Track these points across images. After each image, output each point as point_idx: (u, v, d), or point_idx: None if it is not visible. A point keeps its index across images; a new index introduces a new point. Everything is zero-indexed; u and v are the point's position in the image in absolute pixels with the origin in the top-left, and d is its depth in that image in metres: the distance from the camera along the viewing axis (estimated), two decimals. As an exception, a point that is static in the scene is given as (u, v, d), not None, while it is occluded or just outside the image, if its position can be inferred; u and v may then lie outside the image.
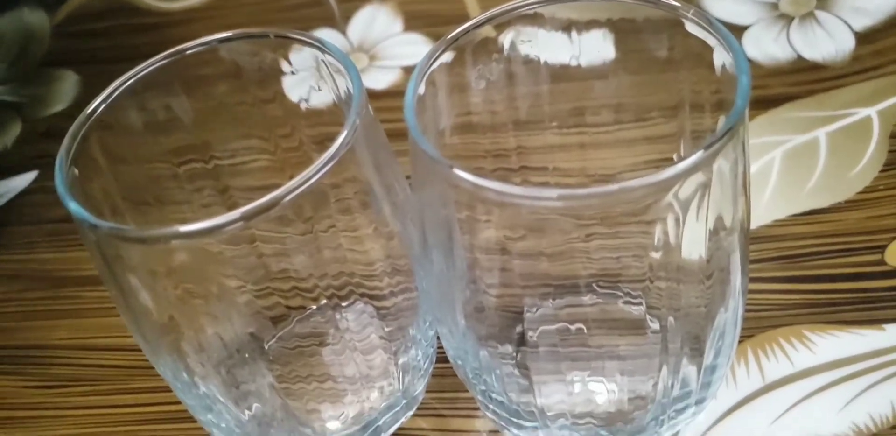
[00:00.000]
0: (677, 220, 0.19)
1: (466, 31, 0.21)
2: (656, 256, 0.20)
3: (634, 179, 0.16)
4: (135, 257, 0.20)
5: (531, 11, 0.21)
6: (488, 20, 0.21)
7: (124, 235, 0.19)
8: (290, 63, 0.24)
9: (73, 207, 0.19)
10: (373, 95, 0.37)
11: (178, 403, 0.24)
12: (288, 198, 0.19)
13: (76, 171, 0.21)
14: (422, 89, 0.20)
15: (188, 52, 0.22)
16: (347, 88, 0.21)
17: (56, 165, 0.20)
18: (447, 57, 0.21)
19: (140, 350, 0.23)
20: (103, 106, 0.22)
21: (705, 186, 0.18)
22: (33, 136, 0.38)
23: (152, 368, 0.23)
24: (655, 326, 0.24)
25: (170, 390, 0.24)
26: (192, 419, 0.24)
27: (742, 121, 0.18)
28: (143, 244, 0.19)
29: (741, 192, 0.19)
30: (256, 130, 0.26)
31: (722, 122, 0.20)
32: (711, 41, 0.20)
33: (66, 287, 0.32)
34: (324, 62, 0.22)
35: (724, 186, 0.19)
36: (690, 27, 0.20)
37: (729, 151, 0.18)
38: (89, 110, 0.21)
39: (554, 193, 0.17)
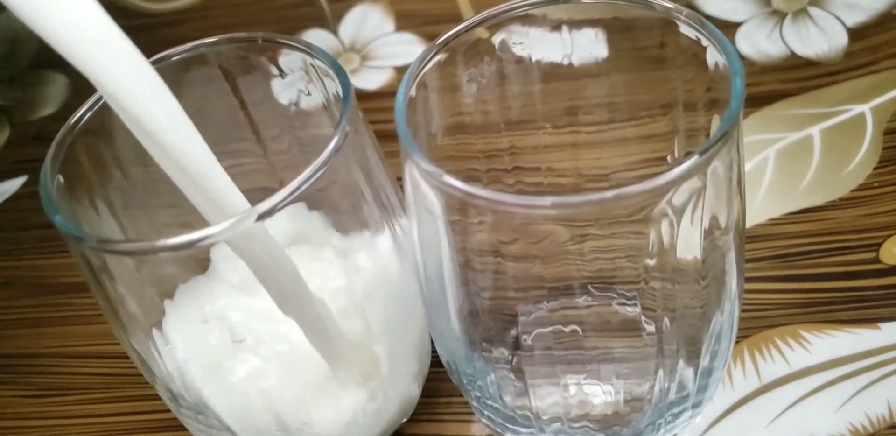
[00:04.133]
0: (672, 222, 0.18)
1: (458, 34, 0.20)
2: (651, 257, 0.20)
3: (629, 187, 0.16)
4: (122, 268, 0.20)
5: (523, 13, 0.21)
6: (480, 22, 0.21)
7: (111, 248, 0.19)
8: (279, 66, 0.23)
9: (59, 219, 0.19)
10: (365, 96, 0.36)
11: (169, 411, 0.24)
12: (279, 207, 0.18)
13: (62, 179, 0.21)
14: (413, 92, 0.20)
15: (175, 57, 0.22)
16: (337, 91, 0.21)
17: (41, 176, 0.20)
18: (439, 59, 0.20)
19: (129, 358, 0.23)
20: (89, 113, 0.21)
21: (700, 190, 0.18)
22: (22, 140, 0.38)
23: (142, 376, 0.23)
24: (651, 328, 0.23)
25: (160, 399, 0.23)
26: (182, 428, 0.24)
27: (736, 124, 0.18)
28: (131, 256, 0.19)
29: (736, 192, 0.19)
30: (246, 132, 0.26)
31: (716, 121, 0.20)
32: (704, 41, 0.19)
33: (56, 294, 0.32)
34: (313, 66, 0.22)
35: (718, 188, 0.18)
36: (683, 28, 0.20)
37: (724, 154, 0.18)
38: (75, 119, 0.21)
39: (547, 201, 0.16)
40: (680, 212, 0.18)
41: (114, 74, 0.17)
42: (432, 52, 0.20)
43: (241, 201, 0.19)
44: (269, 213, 0.18)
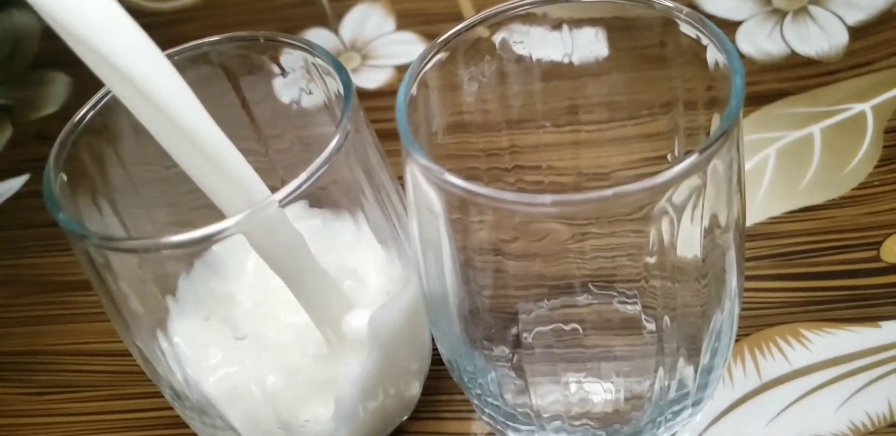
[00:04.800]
0: (672, 220, 0.18)
1: (459, 33, 0.20)
2: (651, 255, 0.20)
3: (630, 185, 0.16)
4: (124, 266, 0.20)
5: (523, 12, 0.21)
6: (481, 21, 0.21)
7: (114, 245, 0.19)
8: (280, 65, 0.24)
9: (63, 217, 0.19)
10: (365, 95, 0.36)
11: (171, 408, 0.24)
12: (281, 204, 0.18)
13: (65, 177, 0.21)
14: (414, 90, 0.20)
15: (177, 57, 0.22)
16: (338, 90, 0.21)
17: (45, 175, 0.20)
18: (439, 58, 0.20)
19: (132, 356, 0.23)
20: (91, 113, 0.21)
21: (700, 188, 0.18)
22: (24, 139, 0.38)
23: (145, 373, 0.23)
24: (651, 326, 0.24)
25: (163, 396, 0.23)
26: (184, 425, 0.24)
27: (736, 123, 0.18)
28: (133, 254, 0.19)
29: (736, 191, 0.19)
30: (247, 131, 0.26)
31: (716, 119, 0.20)
32: (705, 40, 0.19)
33: (58, 292, 0.32)
34: (314, 64, 0.22)
35: (718, 187, 0.18)
36: (684, 27, 0.20)
37: (724, 153, 0.18)
38: (77, 118, 0.21)
39: (548, 199, 0.17)
40: (680, 210, 0.18)
41: (149, 71, 0.18)
42: (433, 52, 0.20)
43: (263, 188, 0.20)
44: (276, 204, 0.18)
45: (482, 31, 0.21)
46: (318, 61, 0.22)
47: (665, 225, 0.18)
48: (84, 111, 0.22)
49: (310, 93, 0.24)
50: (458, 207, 0.18)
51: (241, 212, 0.18)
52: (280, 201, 0.18)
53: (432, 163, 0.18)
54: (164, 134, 0.19)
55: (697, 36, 0.19)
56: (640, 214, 0.18)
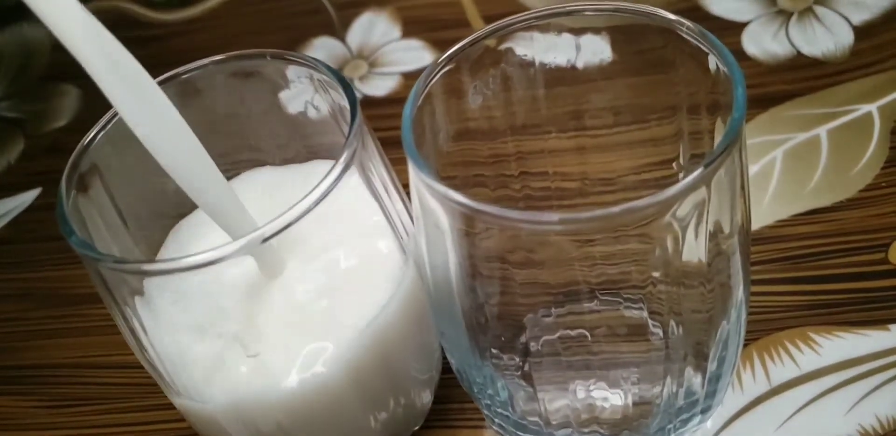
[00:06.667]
0: (677, 230, 0.19)
1: (463, 49, 0.21)
2: (657, 263, 0.20)
3: (635, 202, 0.17)
4: (137, 284, 0.20)
5: (527, 25, 0.21)
6: (486, 36, 0.21)
7: (126, 269, 0.19)
8: (286, 78, 0.24)
9: (75, 240, 0.19)
10: (372, 103, 0.37)
11: (184, 420, 0.24)
12: (291, 226, 0.19)
13: (77, 196, 0.21)
14: (420, 103, 0.20)
15: (184, 76, 0.23)
16: (343, 104, 0.22)
17: (58, 198, 0.20)
18: (445, 70, 0.21)
19: (144, 368, 0.23)
20: (101, 133, 0.22)
21: (704, 200, 0.18)
22: (36, 151, 0.38)
23: (158, 385, 0.23)
24: (659, 332, 0.24)
25: (175, 408, 0.24)
26: (199, 437, 0.25)
27: (740, 134, 0.18)
28: (147, 276, 0.19)
29: (739, 197, 0.19)
30: (254, 141, 0.26)
31: (719, 123, 0.21)
32: (706, 50, 0.20)
33: (72, 305, 0.32)
34: (320, 81, 0.23)
35: (722, 197, 0.19)
36: (685, 38, 0.20)
37: (728, 164, 0.18)
38: (87, 139, 0.22)
39: (555, 217, 0.17)
40: (685, 221, 0.18)
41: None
42: (438, 68, 0.20)
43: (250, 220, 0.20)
44: (276, 235, 0.19)
45: (488, 42, 0.21)
46: (324, 78, 0.22)
47: (670, 234, 0.19)
48: (94, 133, 0.22)
49: (315, 105, 0.24)
50: (464, 221, 0.19)
51: (245, 235, 0.19)
52: (288, 226, 0.19)
53: (437, 182, 0.18)
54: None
55: (698, 46, 0.20)
56: (644, 225, 0.18)
